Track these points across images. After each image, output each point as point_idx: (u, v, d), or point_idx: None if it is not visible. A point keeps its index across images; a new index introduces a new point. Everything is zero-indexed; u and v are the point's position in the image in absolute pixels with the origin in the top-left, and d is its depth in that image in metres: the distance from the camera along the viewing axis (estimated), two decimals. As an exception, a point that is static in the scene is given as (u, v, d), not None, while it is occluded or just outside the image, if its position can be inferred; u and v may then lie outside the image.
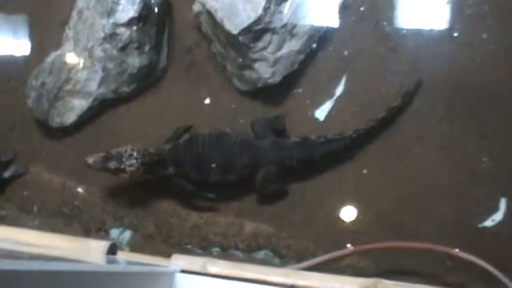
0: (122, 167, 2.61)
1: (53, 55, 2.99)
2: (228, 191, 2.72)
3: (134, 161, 2.61)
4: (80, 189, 2.98)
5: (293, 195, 2.67)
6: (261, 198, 2.70)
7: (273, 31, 2.57)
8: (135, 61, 2.86)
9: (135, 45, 2.84)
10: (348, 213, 2.60)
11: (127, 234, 2.87)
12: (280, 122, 2.70)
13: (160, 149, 2.69)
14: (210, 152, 2.60)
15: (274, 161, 2.58)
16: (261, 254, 2.65)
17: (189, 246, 2.75)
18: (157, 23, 2.88)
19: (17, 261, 1.43)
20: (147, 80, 2.96)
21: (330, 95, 2.69)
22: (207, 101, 2.86)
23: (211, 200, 2.73)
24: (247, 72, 2.67)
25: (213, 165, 2.58)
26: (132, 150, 2.63)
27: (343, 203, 2.60)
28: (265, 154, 2.58)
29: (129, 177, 2.65)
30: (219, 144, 2.61)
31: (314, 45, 2.70)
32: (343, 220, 2.60)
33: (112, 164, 2.62)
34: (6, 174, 3.10)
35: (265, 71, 2.61)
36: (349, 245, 2.53)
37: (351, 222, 2.59)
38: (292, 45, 2.62)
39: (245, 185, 2.67)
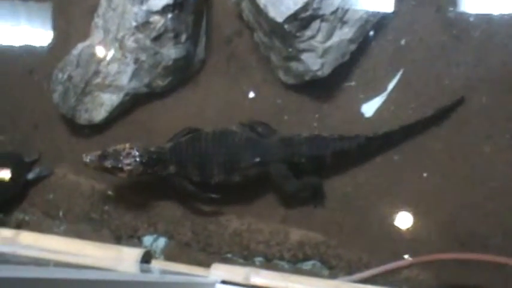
0: (120, 165, 2.73)
1: (80, 46, 3.09)
2: (272, 194, 2.79)
3: (132, 159, 2.73)
4: (110, 192, 3.09)
5: (345, 198, 2.72)
6: (288, 199, 2.76)
7: (322, 18, 2.62)
8: (170, 52, 2.95)
9: (171, 34, 2.92)
10: (406, 220, 2.63)
11: (161, 242, 2.95)
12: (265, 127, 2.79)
13: (161, 148, 2.79)
14: (213, 151, 2.68)
15: (281, 158, 2.65)
16: (308, 265, 2.70)
17: (229, 256, 2.82)
18: (194, 11, 2.96)
19: (42, 269, 1.50)
20: (183, 73, 3.04)
21: (383, 89, 2.74)
22: (250, 95, 2.94)
23: (215, 200, 2.80)
24: (293, 64, 2.73)
25: (216, 166, 2.66)
26: (131, 148, 2.75)
27: (401, 208, 2.64)
28: (271, 152, 2.65)
29: (127, 176, 2.76)
30: (222, 142, 2.68)
31: (370, 33, 2.75)
32: (400, 228, 2.63)
33: (109, 163, 2.73)
34: (30, 176, 3.22)
35: (314, 63, 2.66)
36: (407, 256, 2.57)
37: (409, 230, 2.62)
38: (344, 34, 2.66)
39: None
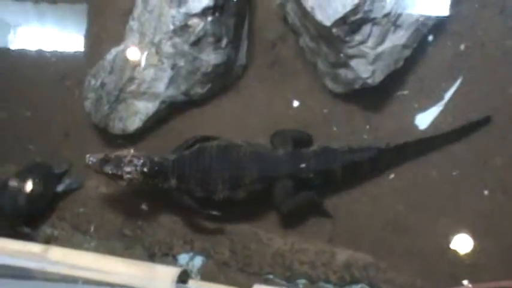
0: (120, 173, 2.86)
1: (114, 51, 3.22)
2: (317, 213, 2.86)
3: (133, 168, 2.85)
4: (144, 207, 3.19)
5: (396, 217, 2.76)
6: (284, 217, 2.87)
7: (374, 22, 2.68)
8: (209, 58, 3.05)
9: (210, 39, 3.01)
10: (465, 243, 2.65)
11: (198, 261, 3.03)
12: (307, 136, 2.90)
13: (165, 159, 2.90)
14: (217, 166, 2.78)
15: (287, 173, 2.74)
16: (356, 289, 2.76)
17: (270, 277, 2.88)
18: (235, 14, 3.05)
19: (71, 286, 1.58)
20: (223, 80, 3.14)
21: (440, 98, 2.79)
22: (295, 104, 3.01)
23: (217, 217, 2.90)
24: (342, 71, 2.79)
25: (220, 182, 2.77)
26: (133, 156, 2.87)
27: (459, 229, 2.66)
28: (277, 166, 2.75)
29: (127, 185, 2.89)
30: (227, 157, 2.79)
31: (426, 38, 2.79)
32: (458, 250, 2.66)
33: (109, 169, 2.87)
34: (60, 188, 3.36)
35: (364, 70, 2.72)
36: (466, 282, 2.59)
37: (468, 253, 2.64)
38: (397, 39, 2.71)
39: (339, 205, 2.83)
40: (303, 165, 2.72)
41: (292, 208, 2.80)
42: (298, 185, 2.76)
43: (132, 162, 2.85)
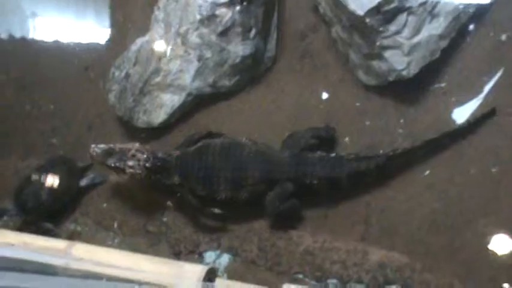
0: (122, 167, 2.92)
1: (139, 41, 3.22)
2: (350, 208, 2.84)
3: (137, 162, 2.90)
4: (169, 203, 3.19)
5: (433, 215, 2.72)
6: (271, 220, 2.91)
7: (409, 11, 2.65)
8: (237, 49, 3.04)
9: (238, 29, 3.01)
10: (506, 243, 2.60)
11: (225, 259, 3.03)
12: (328, 132, 2.89)
13: (169, 155, 2.95)
14: (220, 165, 2.82)
15: (291, 177, 2.77)
16: (390, 290, 2.74)
17: (300, 276, 2.86)
18: (264, 3, 3.04)
19: (94, 283, 1.58)
20: (251, 72, 3.13)
21: (479, 91, 2.74)
22: (325, 97, 2.99)
23: (220, 216, 2.95)
24: (375, 63, 2.76)
25: (222, 181, 2.81)
26: (137, 150, 2.92)
27: (499, 229, 2.61)
28: (281, 169, 2.78)
29: (129, 179, 2.95)
30: (230, 156, 2.82)
31: (465, 27, 2.75)
32: (498, 251, 2.61)
33: (112, 162, 2.93)
34: (83, 183, 3.38)
35: (399, 61, 2.69)
36: (507, 286, 2.55)
37: (509, 254, 2.59)
38: (433, 28, 2.68)
39: (372, 203, 2.80)
40: (307, 170, 2.74)
41: (278, 213, 2.85)
42: (301, 189, 2.79)
43: (136, 157, 2.90)
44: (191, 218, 3.07)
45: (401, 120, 2.84)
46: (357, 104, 2.93)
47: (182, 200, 3.00)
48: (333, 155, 2.76)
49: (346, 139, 2.91)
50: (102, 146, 2.95)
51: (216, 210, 2.95)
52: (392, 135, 2.83)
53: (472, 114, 2.73)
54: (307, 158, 2.76)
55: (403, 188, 2.78)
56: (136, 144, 2.95)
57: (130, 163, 2.90)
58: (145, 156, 2.89)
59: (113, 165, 2.93)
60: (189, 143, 3.01)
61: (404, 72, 2.70)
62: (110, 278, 2.15)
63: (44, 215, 3.34)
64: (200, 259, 3.06)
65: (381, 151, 2.72)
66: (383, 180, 2.78)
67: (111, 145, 2.96)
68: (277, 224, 2.92)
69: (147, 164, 2.88)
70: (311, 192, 2.80)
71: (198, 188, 2.87)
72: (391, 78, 2.74)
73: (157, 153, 2.92)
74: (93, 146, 2.97)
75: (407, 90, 2.81)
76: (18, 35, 3.79)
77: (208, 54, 3.06)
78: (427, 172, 2.75)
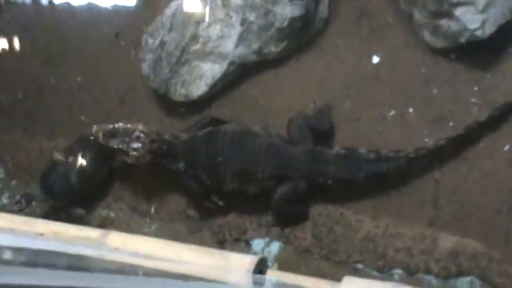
0: (126, 149, 2.95)
1: (174, 5, 3.19)
2: (417, 190, 2.78)
3: (141, 145, 2.93)
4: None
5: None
6: (275, 218, 2.95)
7: (484, -40, 2.55)
8: (285, 10, 2.98)
9: (286, -12, 2.94)
10: None
11: (275, 247, 3.01)
12: (323, 120, 2.89)
13: (175, 137, 2.98)
14: (228, 155, 2.83)
15: (305, 175, 2.77)
16: (464, 282, 2.66)
17: (359, 266, 2.83)
18: (316, -43, 2.97)
19: (133, 278, 1.56)
20: (301, 37, 3.07)
21: None
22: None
23: (220, 208, 3.02)
24: (444, 22, 2.68)
25: (230, 173, 2.83)
26: (142, 132, 2.94)
27: None
28: (295, 165, 2.77)
29: (133, 162, 2.98)
30: (240, 146, 2.82)
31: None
32: None
33: (115, 143, 2.96)
34: (116, 164, 3.38)
35: (472, 19, 2.60)
36: None
37: None
38: (512, -19, 2.58)
39: (442, 183, 2.73)
40: (322, 169, 2.75)
41: (283, 212, 2.91)
42: (312, 189, 2.81)
43: (140, 139, 2.93)
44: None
45: (475, 88, 2.76)
46: (423, 70, 2.86)
47: (186, 188, 3.07)
48: (351, 153, 2.75)
49: (410, 110, 2.83)
50: (104, 126, 2.99)
51: (220, 203, 3.01)
52: (464, 105, 2.75)
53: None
54: (322, 155, 2.76)
55: (478, 164, 2.70)
56: (140, 125, 2.97)
57: (134, 145, 2.94)
58: (150, 138, 2.93)
59: (115, 146, 2.97)
60: (198, 126, 3.05)
61: (478, 33, 2.61)
62: (148, 271, 2.13)
63: (73, 200, 3.36)
64: (247, 248, 3.06)
65: (402, 153, 2.69)
66: (454, 155, 2.71)
67: (115, 125, 2.99)
68: (282, 223, 2.96)
69: (152, 147, 2.92)
70: (324, 191, 2.83)
71: (203, 176, 2.91)
72: (462, 40, 2.66)
73: (163, 135, 2.96)
74: (95, 126, 3.01)
75: (482, 53, 2.73)
76: (43, 1, 3.78)
77: (252, 17, 3.01)
78: (507, 147, 2.66)
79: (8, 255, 1.99)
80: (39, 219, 2.86)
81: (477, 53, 2.73)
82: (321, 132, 2.89)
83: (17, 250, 2.15)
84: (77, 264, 2.05)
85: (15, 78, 3.89)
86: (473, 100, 2.75)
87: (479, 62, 2.76)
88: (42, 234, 2.51)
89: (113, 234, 2.58)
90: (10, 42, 3.91)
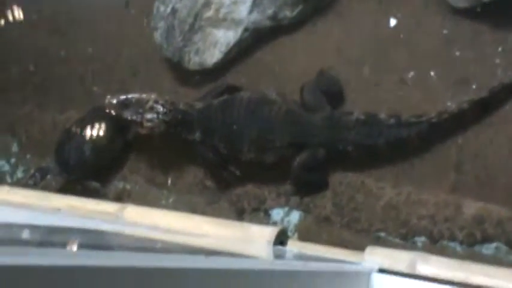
0: (139, 120, 2.95)
1: (185, -31, 3.14)
2: (438, 154, 2.75)
3: (155, 115, 2.93)
4: (228, 154, 3.15)
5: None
6: (294, 186, 2.94)
7: None
8: (300, -27, 2.94)
9: None
10: None
11: (294, 216, 3.00)
12: (333, 82, 2.90)
13: (190, 106, 2.97)
14: (245, 123, 2.82)
15: (324, 142, 2.76)
16: (489, 248, 2.64)
17: (382, 234, 2.82)
18: None
19: (153, 255, 1.56)
20: (317, 0, 3.02)
21: None
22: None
23: (238, 178, 3.02)
24: (466, -19, 2.63)
25: (246, 141, 2.83)
26: (156, 102, 2.95)
27: None
28: (313, 133, 2.76)
29: (146, 132, 3.00)
30: (257, 113, 2.82)
31: None
32: None
33: (128, 114, 2.96)
34: (131, 135, 3.37)
35: (495, -22, 2.55)
36: None
37: None
38: None
39: (465, 147, 2.70)
40: (342, 136, 2.74)
41: (303, 181, 2.91)
42: (332, 155, 2.80)
43: (154, 109, 2.93)
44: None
45: (500, 49, 2.70)
46: (444, 32, 2.81)
47: (202, 158, 3.08)
48: (371, 118, 2.73)
49: (432, 73, 2.79)
50: (117, 96, 2.99)
51: (237, 172, 3.02)
52: (488, 67, 2.69)
53: None
54: (342, 121, 2.75)
55: (503, 128, 2.66)
56: (153, 95, 2.98)
57: (148, 116, 2.94)
58: (165, 108, 2.93)
59: (129, 118, 2.97)
60: (214, 94, 3.05)
61: (504, -11, 2.56)
62: (168, 245, 2.14)
63: (88, 174, 3.36)
64: (266, 217, 3.05)
65: (424, 117, 2.66)
66: (478, 119, 2.67)
67: (128, 96, 2.99)
68: (302, 192, 2.95)
69: (167, 118, 2.92)
70: (343, 158, 2.82)
71: (220, 145, 2.91)
72: (486, -1, 2.60)
73: (177, 105, 2.95)
74: (108, 97, 3.01)
75: (506, 12, 2.68)
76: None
77: (266, -20, 2.95)
78: (535, 108, 2.61)
79: (23, 233, 2.00)
80: (55, 193, 2.88)
81: (501, 12, 2.68)
82: (333, 96, 2.89)
83: (32, 228, 2.15)
84: (94, 240, 2.05)
85: (25, 49, 3.87)
86: (497, 61, 2.70)
87: (503, 22, 2.70)
88: (59, 209, 2.52)
89: (130, 208, 2.60)
90: (17, 13, 3.89)
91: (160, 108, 2.93)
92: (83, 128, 3.33)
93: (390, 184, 2.85)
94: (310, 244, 2.56)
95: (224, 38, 3.11)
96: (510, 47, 2.70)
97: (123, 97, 2.98)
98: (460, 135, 2.73)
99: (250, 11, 3.04)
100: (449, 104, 2.72)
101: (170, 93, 3.28)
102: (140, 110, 2.94)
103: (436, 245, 2.72)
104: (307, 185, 2.94)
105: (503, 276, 1.98)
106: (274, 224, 2.95)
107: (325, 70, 2.92)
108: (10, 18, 3.92)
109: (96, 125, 3.33)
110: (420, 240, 2.76)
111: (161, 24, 3.21)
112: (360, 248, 2.26)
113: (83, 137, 3.32)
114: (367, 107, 2.84)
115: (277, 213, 3.04)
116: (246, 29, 3.08)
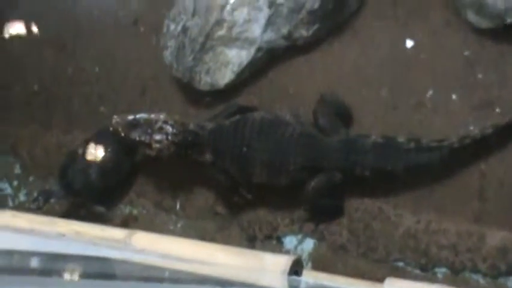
0: (148, 141, 2.92)
1: (197, -13, 3.12)
2: (461, 181, 2.73)
3: (164, 136, 2.90)
4: (240, 179, 3.13)
5: None
6: (308, 212, 2.92)
7: None
8: (316, -9, 2.93)
9: (317, -34, 2.89)
10: None
11: (308, 244, 2.99)
12: (342, 105, 2.89)
13: (201, 128, 2.94)
14: (257, 145, 2.79)
15: (340, 165, 2.72)
16: (514, 281, 2.62)
17: (400, 264, 2.80)
18: None
19: (163, 286, 1.54)
20: (334, 19, 3.02)
21: None
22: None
23: (250, 202, 3.00)
24: (490, 0, 2.60)
25: (258, 164, 2.80)
26: (165, 122, 2.92)
27: None
28: (329, 155, 2.73)
29: (155, 154, 2.95)
30: (270, 135, 2.78)
31: None
32: None
33: (136, 135, 2.93)
34: (138, 157, 3.36)
35: (520, -3, 2.52)
36: None
37: None
38: None
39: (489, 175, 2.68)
40: (358, 159, 2.71)
41: (317, 207, 2.90)
42: (348, 179, 2.77)
43: (163, 130, 2.91)
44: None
45: (524, 71, 2.67)
46: (466, 53, 2.80)
47: (213, 180, 3.05)
48: (390, 142, 2.70)
49: (454, 96, 2.78)
50: (125, 116, 2.97)
51: (249, 196, 3.00)
52: (512, 90, 2.66)
53: None
54: (358, 144, 2.72)
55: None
56: (162, 115, 2.95)
57: (157, 137, 2.91)
58: (174, 129, 2.91)
59: (137, 138, 2.94)
60: (225, 115, 3.02)
61: (527, 12, 2.53)
62: (179, 274, 2.12)
63: (94, 197, 3.35)
64: (279, 245, 3.04)
65: (446, 142, 2.62)
66: (502, 144, 2.65)
67: (136, 116, 2.96)
68: (316, 218, 2.94)
69: (176, 139, 2.90)
70: (359, 183, 2.80)
71: (231, 168, 2.88)
72: (509, 20, 2.59)
73: (188, 125, 2.93)
74: (115, 117, 2.99)
75: (532, 33, 2.64)
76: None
77: (281, -1, 2.94)
78: (562, 133, 2.59)
79: (24, 261, 1.98)
80: (60, 218, 2.86)
81: (525, 33, 2.65)
82: (342, 118, 2.88)
83: (34, 255, 2.14)
84: (101, 269, 2.03)
85: (29, 67, 3.87)
86: (522, 84, 2.67)
87: (528, 44, 2.68)
88: (63, 235, 2.50)
89: (139, 234, 2.57)
90: (22, 30, 3.91)
91: (170, 129, 2.91)
92: (89, 150, 3.31)
93: (409, 211, 2.83)
94: (326, 274, 2.53)
95: (237, 57, 3.10)
96: (536, 71, 2.67)
97: (131, 117, 2.96)
98: (483, 161, 2.71)
99: (264, 30, 3.03)
100: (471, 128, 2.70)
101: (180, 114, 3.27)
102: (149, 131, 2.92)
103: (457, 277, 2.70)
104: (322, 211, 2.92)
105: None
106: (287, 252, 2.94)
107: (325, 95, 2.90)
108: (14, 35, 3.92)
109: (102, 147, 3.33)
110: (441, 271, 2.74)
111: (171, 43, 3.20)
112: (377, 278, 2.23)
113: (89, 159, 3.30)
114: (385, 130, 2.83)
115: (290, 241, 3.03)
116: (259, 49, 3.07)
